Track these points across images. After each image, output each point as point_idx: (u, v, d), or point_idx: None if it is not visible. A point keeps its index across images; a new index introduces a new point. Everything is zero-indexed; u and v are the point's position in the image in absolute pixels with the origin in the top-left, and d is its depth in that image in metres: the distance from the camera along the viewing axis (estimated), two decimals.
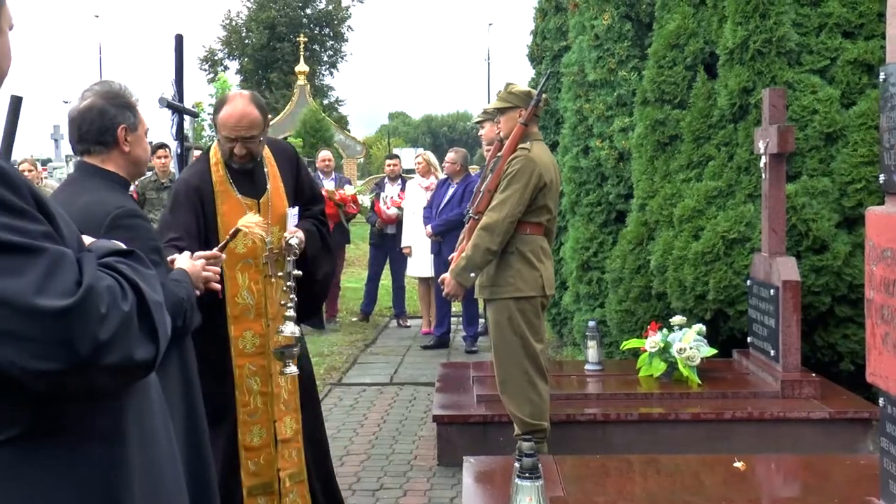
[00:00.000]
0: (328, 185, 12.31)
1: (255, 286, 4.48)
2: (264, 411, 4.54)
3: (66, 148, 35.04)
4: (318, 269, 4.78)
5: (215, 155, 4.52)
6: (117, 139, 3.35)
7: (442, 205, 10.70)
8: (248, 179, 4.52)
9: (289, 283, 4.42)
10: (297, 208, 4.62)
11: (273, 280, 4.52)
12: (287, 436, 4.61)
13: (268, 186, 4.57)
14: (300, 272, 4.46)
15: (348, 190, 12.36)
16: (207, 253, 3.77)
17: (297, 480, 4.65)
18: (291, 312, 4.40)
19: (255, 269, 4.49)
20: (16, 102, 2.18)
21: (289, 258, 4.43)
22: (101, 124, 3.33)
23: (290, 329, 4.38)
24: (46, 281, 1.68)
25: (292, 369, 4.42)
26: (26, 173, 11.25)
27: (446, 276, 5.89)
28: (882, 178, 3.62)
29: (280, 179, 4.65)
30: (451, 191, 10.74)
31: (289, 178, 4.72)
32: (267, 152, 4.63)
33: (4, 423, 1.78)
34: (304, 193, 4.81)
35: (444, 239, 10.48)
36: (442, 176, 11.43)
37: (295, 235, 4.47)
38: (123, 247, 2.01)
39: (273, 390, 4.55)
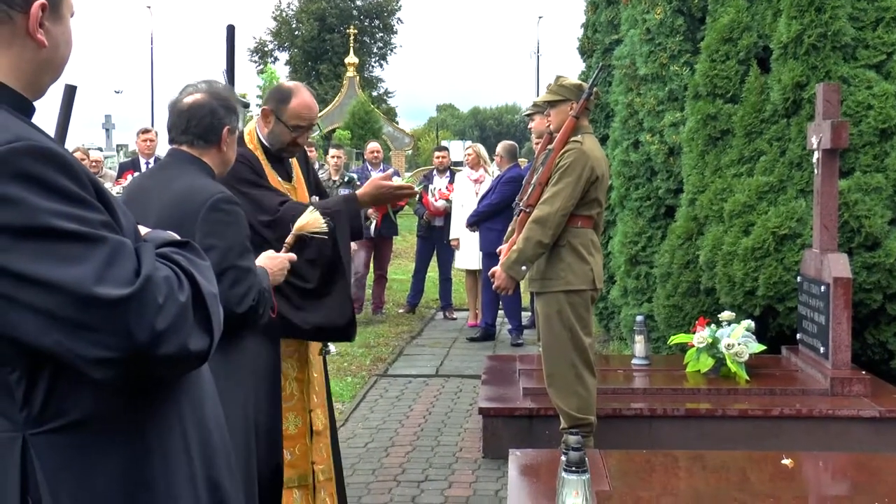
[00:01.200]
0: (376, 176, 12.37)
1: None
2: (300, 398, 4.48)
3: (117, 138, 35.29)
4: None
5: (251, 141, 4.48)
6: (220, 139, 3.53)
7: (482, 197, 10.88)
8: (280, 166, 4.54)
9: None
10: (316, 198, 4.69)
11: None
12: (319, 428, 4.56)
13: (293, 174, 4.62)
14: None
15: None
16: (284, 256, 3.81)
17: (327, 477, 4.58)
18: None
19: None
20: (70, 91, 2.19)
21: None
22: (210, 122, 3.50)
23: None
24: (106, 270, 1.69)
25: (330, 349, 4.47)
26: None
27: (497, 269, 5.89)
28: None
29: (299, 169, 4.71)
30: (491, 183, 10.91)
31: (304, 170, 4.78)
32: None
33: (60, 410, 1.80)
34: (313, 187, 4.87)
35: (478, 229, 10.62)
36: (490, 169, 11.51)
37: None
38: (178, 237, 2.03)
39: (308, 377, 4.52)
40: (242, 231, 3.42)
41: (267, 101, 4.43)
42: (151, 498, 1.90)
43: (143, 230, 2.03)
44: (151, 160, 12.02)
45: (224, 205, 3.38)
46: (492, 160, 11.96)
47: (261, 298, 3.37)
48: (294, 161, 4.68)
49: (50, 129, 1.99)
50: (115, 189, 10.57)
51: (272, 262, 3.69)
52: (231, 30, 9.67)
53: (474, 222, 10.69)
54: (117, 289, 1.69)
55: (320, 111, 45.60)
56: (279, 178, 4.48)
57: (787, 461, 4.64)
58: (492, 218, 10.41)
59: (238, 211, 3.45)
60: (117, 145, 36.95)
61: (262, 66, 54.68)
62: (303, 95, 4.38)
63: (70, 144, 12.53)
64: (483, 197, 10.81)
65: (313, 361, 4.54)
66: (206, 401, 2.12)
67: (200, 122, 3.50)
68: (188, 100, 3.53)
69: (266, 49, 59.96)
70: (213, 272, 1.97)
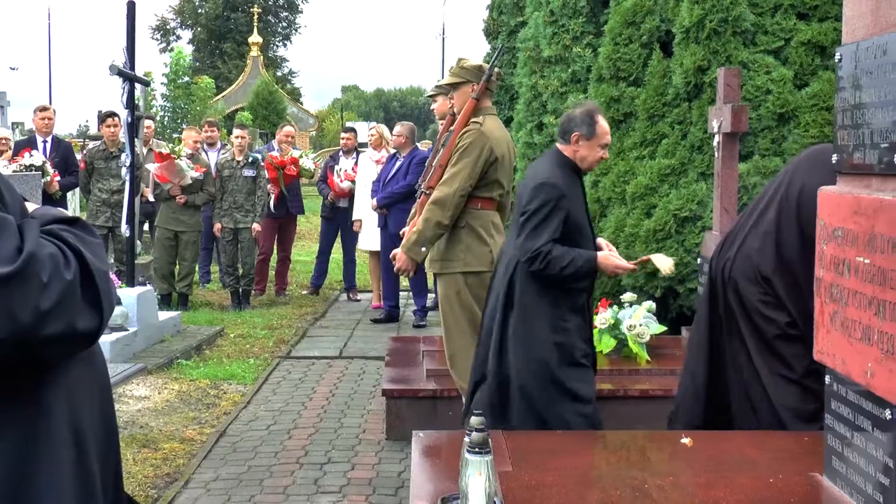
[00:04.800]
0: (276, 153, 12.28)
1: None
2: None
3: (12, 115, 34.35)
4: None
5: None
6: (570, 140, 5.06)
7: (388, 178, 10.63)
8: None
9: None
10: None
11: None
12: None
13: None
14: None
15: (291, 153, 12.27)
16: (626, 265, 5.41)
17: None
18: None
19: None
20: None
21: None
22: (566, 126, 5.11)
23: None
24: None
25: None
26: None
27: (398, 251, 5.87)
28: (835, 158, 3.63)
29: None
30: (397, 164, 10.66)
31: None
32: None
33: None
34: None
35: (389, 212, 10.45)
36: (392, 150, 11.37)
37: None
38: (69, 214, 1.96)
39: None
40: (546, 206, 4.84)
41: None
42: (35, 487, 1.83)
43: (30, 207, 1.95)
44: (49, 138, 11.69)
45: (544, 187, 4.86)
46: None
47: (548, 258, 4.85)
48: None
49: None
50: (10, 167, 10.26)
51: (613, 260, 5.31)
52: (132, 6, 9.47)
53: (387, 204, 10.49)
54: None
55: (223, 90, 44.88)
56: None
57: (686, 440, 4.69)
58: (406, 199, 10.25)
59: (553, 194, 4.84)
60: (13, 123, 35.94)
61: (166, 44, 53.77)
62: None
63: None
64: (392, 177, 10.59)
65: None
66: (98, 383, 2.05)
67: (562, 124, 5.15)
68: (570, 111, 5.19)
69: (168, 27, 58.84)
70: (104, 249, 1.89)
